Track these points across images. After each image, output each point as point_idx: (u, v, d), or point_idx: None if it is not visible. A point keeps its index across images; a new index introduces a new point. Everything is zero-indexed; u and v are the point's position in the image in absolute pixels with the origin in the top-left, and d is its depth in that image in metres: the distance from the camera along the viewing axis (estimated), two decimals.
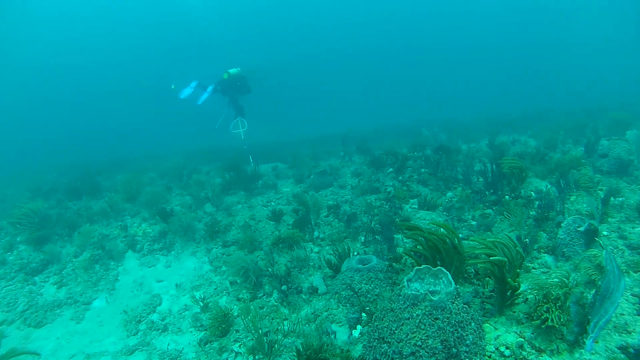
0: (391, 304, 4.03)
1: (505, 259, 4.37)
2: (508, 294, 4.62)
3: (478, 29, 56.46)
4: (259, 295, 6.63)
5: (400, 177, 10.73)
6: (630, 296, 4.74)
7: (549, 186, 8.71)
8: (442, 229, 5.13)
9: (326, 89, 50.04)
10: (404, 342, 3.67)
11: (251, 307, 6.08)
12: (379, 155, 12.46)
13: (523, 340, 4.15)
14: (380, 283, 5.76)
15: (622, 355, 3.88)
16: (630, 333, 4.11)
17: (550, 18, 53.41)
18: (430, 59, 57.89)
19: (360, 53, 60.67)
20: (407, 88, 48.48)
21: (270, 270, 6.85)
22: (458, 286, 5.03)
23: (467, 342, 3.75)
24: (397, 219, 8.07)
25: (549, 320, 3.97)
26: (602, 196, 7.52)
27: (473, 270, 5.48)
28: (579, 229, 6.07)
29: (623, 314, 4.41)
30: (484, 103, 30.91)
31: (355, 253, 6.88)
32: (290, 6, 53.84)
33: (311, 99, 45.89)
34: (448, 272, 4.10)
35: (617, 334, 4.13)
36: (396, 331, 3.77)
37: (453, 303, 3.84)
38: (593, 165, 9.43)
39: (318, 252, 7.62)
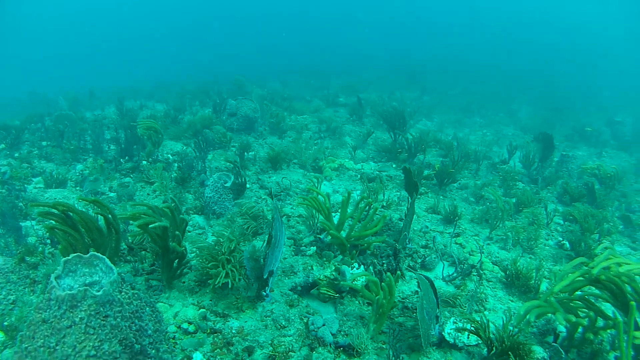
0: (41, 313, 2.75)
1: (167, 223, 3.74)
2: (175, 264, 4.05)
3: None
4: None
5: (17, 154, 8.87)
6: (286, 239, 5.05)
7: (185, 147, 8.64)
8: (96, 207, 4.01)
9: None
10: (72, 357, 2.55)
11: None
12: None
13: (204, 310, 3.70)
14: (15, 286, 4.41)
15: (295, 295, 4.04)
16: (296, 274, 4.33)
17: None
18: None
19: None
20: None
21: None
22: (118, 269, 4.13)
23: (149, 332, 3.02)
24: (20, 204, 6.38)
25: (222, 277, 3.65)
26: (236, 152, 7.98)
27: (126, 246, 4.71)
28: (225, 185, 6.09)
29: (286, 257, 4.63)
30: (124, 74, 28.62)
31: None
32: None
33: None
34: (104, 257, 3.14)
35: (287, 278, 4.27)
36: (58, 347, 2.64)
37: (121, 292, 3.00)
38: (223, 124, 9.94)
39: None
